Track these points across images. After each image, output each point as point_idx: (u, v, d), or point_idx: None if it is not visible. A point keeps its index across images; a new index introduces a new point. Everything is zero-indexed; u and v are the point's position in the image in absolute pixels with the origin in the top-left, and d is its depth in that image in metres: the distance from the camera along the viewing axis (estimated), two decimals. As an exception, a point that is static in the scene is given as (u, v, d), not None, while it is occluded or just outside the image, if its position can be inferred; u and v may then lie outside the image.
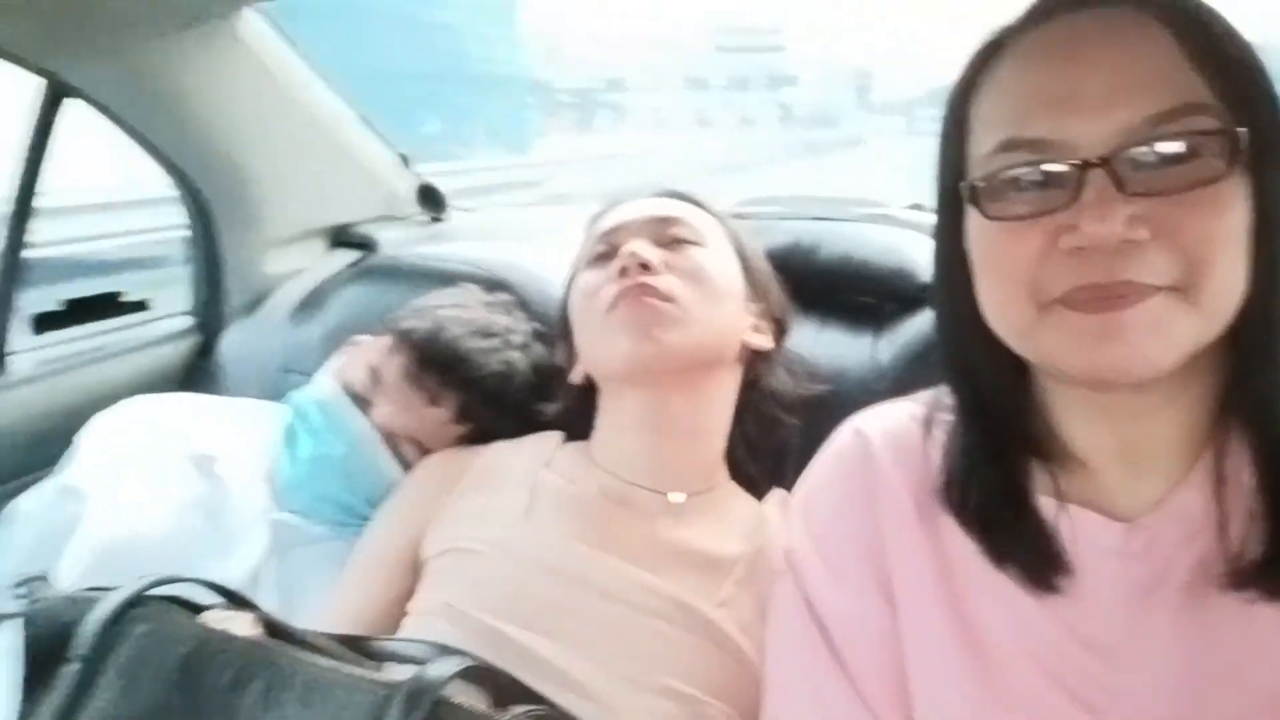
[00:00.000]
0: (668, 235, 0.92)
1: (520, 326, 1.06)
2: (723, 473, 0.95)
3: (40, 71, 1.09)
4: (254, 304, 1.44)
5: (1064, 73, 0.50)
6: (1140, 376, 0.50)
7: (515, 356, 1.02)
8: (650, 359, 0.86)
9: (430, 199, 1.69)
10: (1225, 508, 0.55)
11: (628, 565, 0.82)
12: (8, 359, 1.19)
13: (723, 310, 0.91)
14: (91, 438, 1.05)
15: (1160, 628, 0.56)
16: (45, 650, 0.61)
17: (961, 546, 0.60)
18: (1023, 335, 0.54)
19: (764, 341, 0.96)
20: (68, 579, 0.91)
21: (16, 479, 1.10)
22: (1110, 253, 0.48)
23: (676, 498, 0.89)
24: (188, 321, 1.43)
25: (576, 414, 0.98)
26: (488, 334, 1.02)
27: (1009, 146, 0.52)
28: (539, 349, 1.06)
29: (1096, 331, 0.49)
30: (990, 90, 0.54)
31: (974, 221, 0.55)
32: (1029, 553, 0.58)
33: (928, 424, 0.65)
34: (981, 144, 0.54)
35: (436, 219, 1.73)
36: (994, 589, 0.59)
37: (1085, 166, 0.49)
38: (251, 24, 1.21)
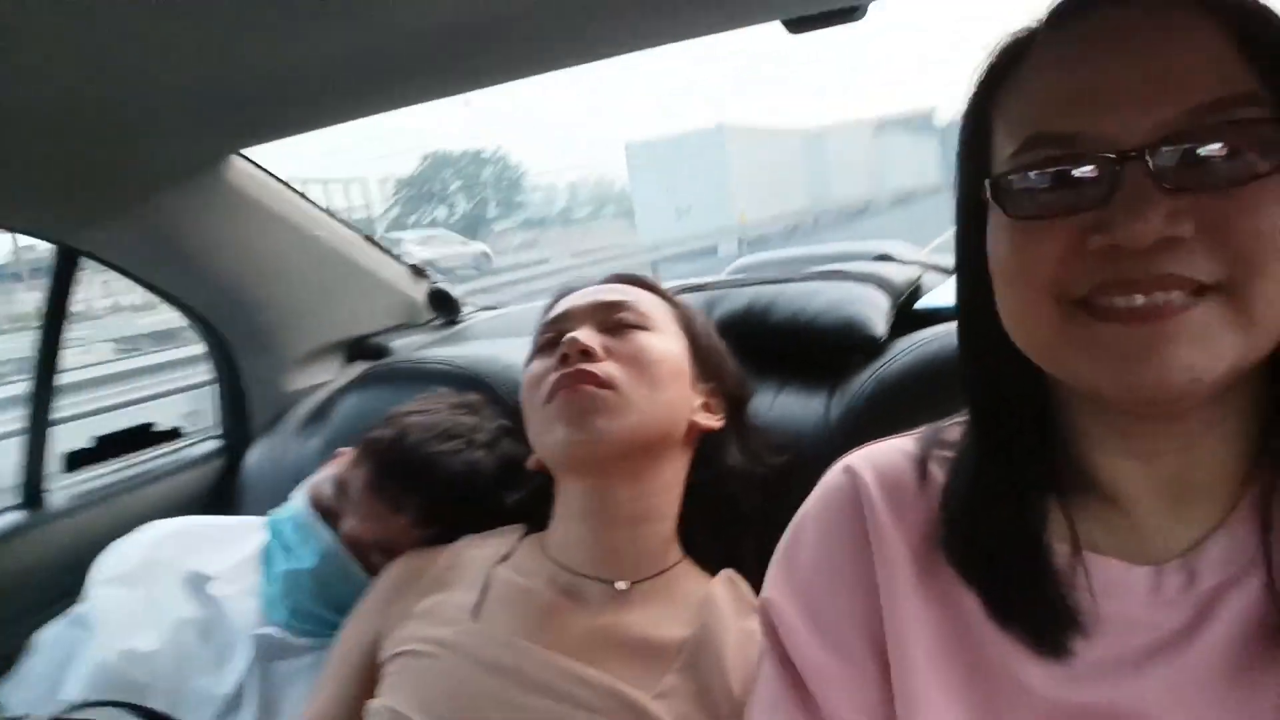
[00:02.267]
0: (612, 320, 0.93)
1: (487, 425, 1.09)
2: (674, 554, 0.94)
3: (50, 240, 1.23)
4: (275, 421, 1.53)
5: (1098, 66, 0.46)
6: (1182, 394, 0.45)
7: (478, 456, 1.05)
8: (588, 448, 0.86)
9: (441, 303, 1.77)
10: (1271, 550, 0.49)
11: (563, 658, 0.82)
12: (44, 495, 1.31)
13: (666, 393, 0.91)
14: (103, 565, 1.13)
15: (1200, 689, 0.49)
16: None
17: (964, 600, 0.54)
18: (1047, 347, 0.49)
19: (713, 421, 0.95)
20: (71, 697, 0.98)
21: (52, 607, 1.19)
22: (1146, 251, 0.44)
23: (621, 585, 0.88)
24: (215, 444, 1.53)
25: (539, 501, 0.99)
26: (451, 436, 1.05)
27: (1037, 143, 0.48)
28: (507, 445, 1.08)
29: (1132, 344, 0.44)
30: (1016, 88, 0.50)
31: (996, 225, 0.51)
32: (1038, 609, 0.52)
33: (923, 463, 0.59)
34: (1006, 143, 0.50)
35: (452, 322, 1.80)
36: (1002, 647, 0.53)
37: (1121, 160, 0.45)
38: (238, 168, 1.33)
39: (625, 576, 0.89)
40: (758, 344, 1.06)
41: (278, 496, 1.36)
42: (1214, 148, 0.44)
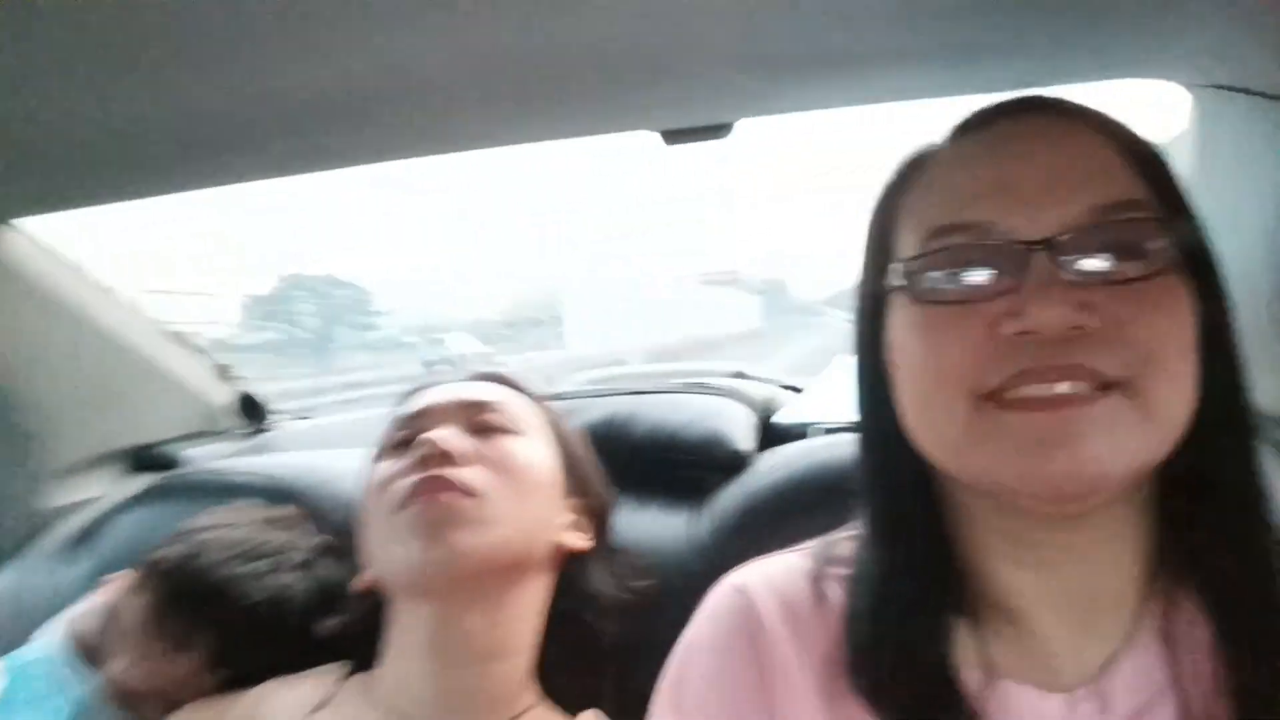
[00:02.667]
0: (478, 421, 0.83)
1: (302, 542, 0.94)
2: (528, 697, 0.82)
3: None
4: (25, 543, 1.26)
5: (1004, 165, 0.49)
6: (1091, 487, 0.45)
7: (289, 579, 0.89)
8: (442, 565, 0.74)
9: (250, 409, 1.58)
10: (1181, 671, 0.48)
11: None
12: None
13: (534, 507, 0.81)
14: None
15: None
16: None
17: (869, 715, 0.51)
18: (954, 443, 0.48)
19: (582, 541, 0.86)
20: None
21: None
22: (1058, 339, 0.45)
23: None
24: (-59, 572, 1.24)
25: (367, 630, 0.84)
26: (256, 555, 0.89)
27: (944, 232, 0.49)
28: (327, 566, 0.93)
29: (1043, 433, 0.44)
30: (922, 189, 0.52)
31: (904, 317, 0.51)
32: None
33: (819, 581, 0.56)
34: (911, 236, 0.51)
35: (259, 430, 1.61)
36: None
37: (1029, 248, 0.46)
38: (11, 241, 1.13)
39: None
40: (617, 458, 0.99)
41: (26, 633, 1.10)
42: (1116, 242, 0.46)
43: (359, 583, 0.85)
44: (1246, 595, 0.48)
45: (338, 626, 0.87)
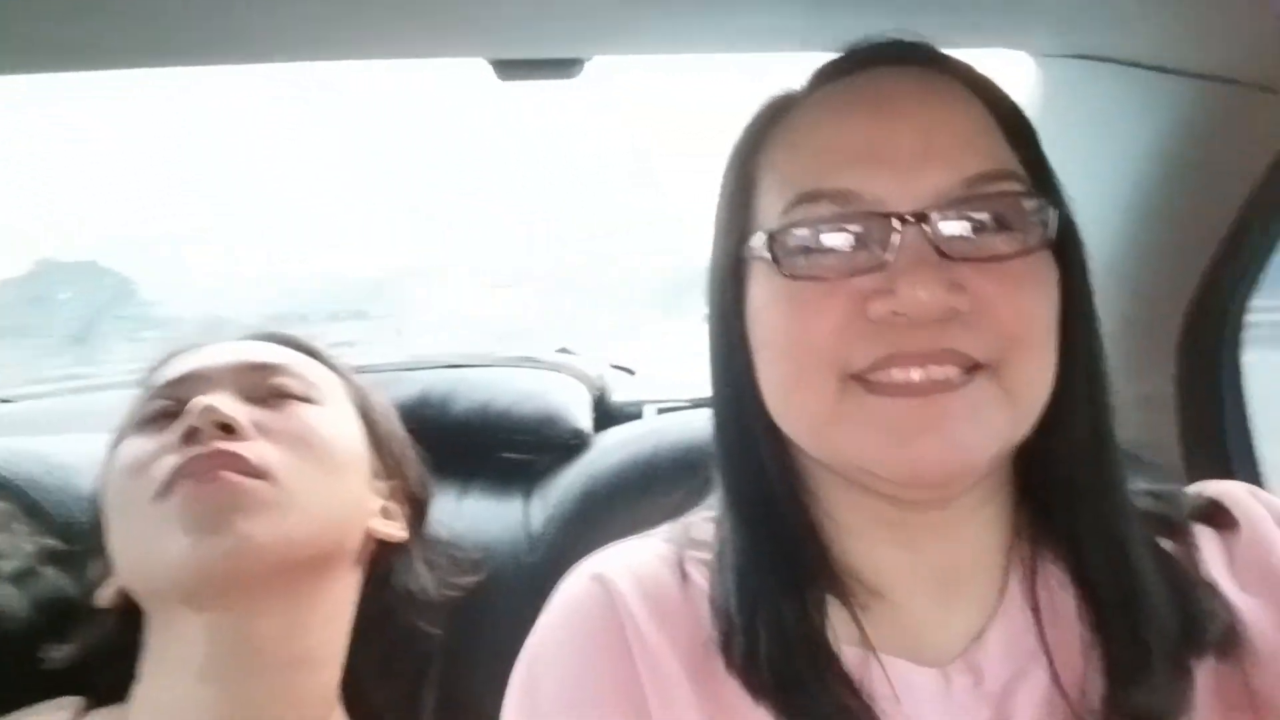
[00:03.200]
0: (265, 387, 0.68)
1: (20, 546, 0.73)
2: (337, 714, 0.68)
3: None
4: None
5: (873, 126, 0.46)
6: (958, 472, 0.45)
7: (6, 593, 0.69)
8: (226, 563, 0.59)
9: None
10: (1049, 638, 0.48)
11: None
12: None
13: (340, 490, 0.68)
14: None
15: None
16: None
17: (752, 714, 0.48)
18: (818, 426, 0.47)
19: (396, 530, 0.74)
20: None
21: None
22: (929, 321, 0.43)
23: None
24: None
25: (109, 658, 0.67)
26: None
27: (810, 198, 0.46)
28: (51, 577, 0.73)
29: (911, 420, 0.44)
30: (784, 144, 0.49)
31: (762, 289, 0.48)
32: (836, 716, 0.46)
33: (680, 566, 0.53)
34: (775, 200, 0.48)
35: (-44, 415, 1.29)
36: None
37: (902, 221, 0.44)
38: None
39: None
40: (436, 439, 0.85)
41: None
42: (989, 218, 0.45)
43: (103, 597, 0.67)
44: (1105, 561, 0.48)
45: (73, 653, 0.67)
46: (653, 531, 0.57)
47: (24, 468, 0.85)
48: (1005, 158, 0.47)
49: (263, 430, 0.65)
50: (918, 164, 0.45)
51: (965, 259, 0.44)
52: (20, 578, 0.71)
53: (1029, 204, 0.46)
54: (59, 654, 0.68)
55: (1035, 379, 0.46)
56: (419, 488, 0.79)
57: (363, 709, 0.70)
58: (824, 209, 0.46)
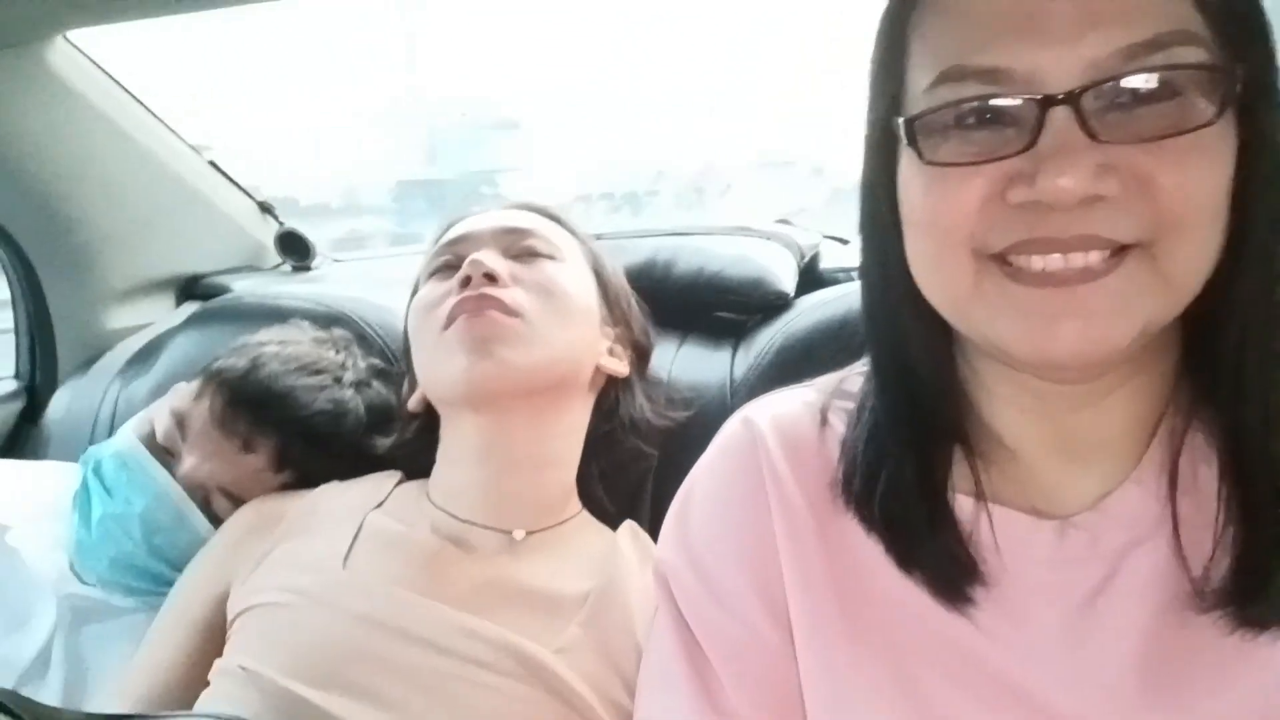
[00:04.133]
0: (519, 247, 0.85)
1: (356, 363, 0.98)
2: (573, 506, 0.87)
3: None
4: (89, 363, 1.32)
5: None
6: (1096, 362, 0.43)
7: (346, 395, 0.93)
8: (490, 378, 0.78)
9: (294, 247, 1.60)
10: (1178, 511, 0.47)
11: (451, 610, 0.73)
12: None
13: (575, 330, 0.84)
14: None
15: (1109, 647, 0.47)
16: None
17: (866, 550, 0.52)
18: (958, 304, 0.46)
19: (620, 367, 0.89)
20: None
21: None
22: (1069, 209, 0.41)
23: (518, 535, 0.81)
24: (10, 385, 1.30)
25: (416, 450, 0.90)
26: (314, 370, 0.93)
27: (956, 76, 0.43)
28: (378, 388, 0.97)
29: (1048, 310, 0.42)
30: (934, 8, 0.46)
31: (908, 166, 0.47)
32: (940, 557, 0.49)
33: (824, 412, 0.56)
34: (921, 74, 0.45)
35: (303, 267, 1.63)
36: (907, 599, 0.51)
37: (1047, 103, 0.41)
38: (65, 53, 1.12)
39: (521, 525, 0.81)
40: (660, 297, 1.00)
41: (91, 442, 1.18)
42: (1149, 90, 0.41)
43: (411, 403, 0.89)
44: (1264, 442, 0.46)
45: (392, 444, 0.92)
46: (812, 381, 0.60)
47: (353, 306, 1.11)
48: (1183, 14, 0.41)
49: (517, 279, 0.82)
50: (1074, 33, 0.41)
51: (1121, 140, 0.40)
52: (358, 386, 0.95)
53: (1208, 74, 0.41)
54: (383, 443, 0.92)
55: (1194, 260, 0.42)
56: (641, 335, 0.94)
57: (593, 504, 0.89)
58: (968, 88, 0.43)
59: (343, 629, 0.71)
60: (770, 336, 0.96)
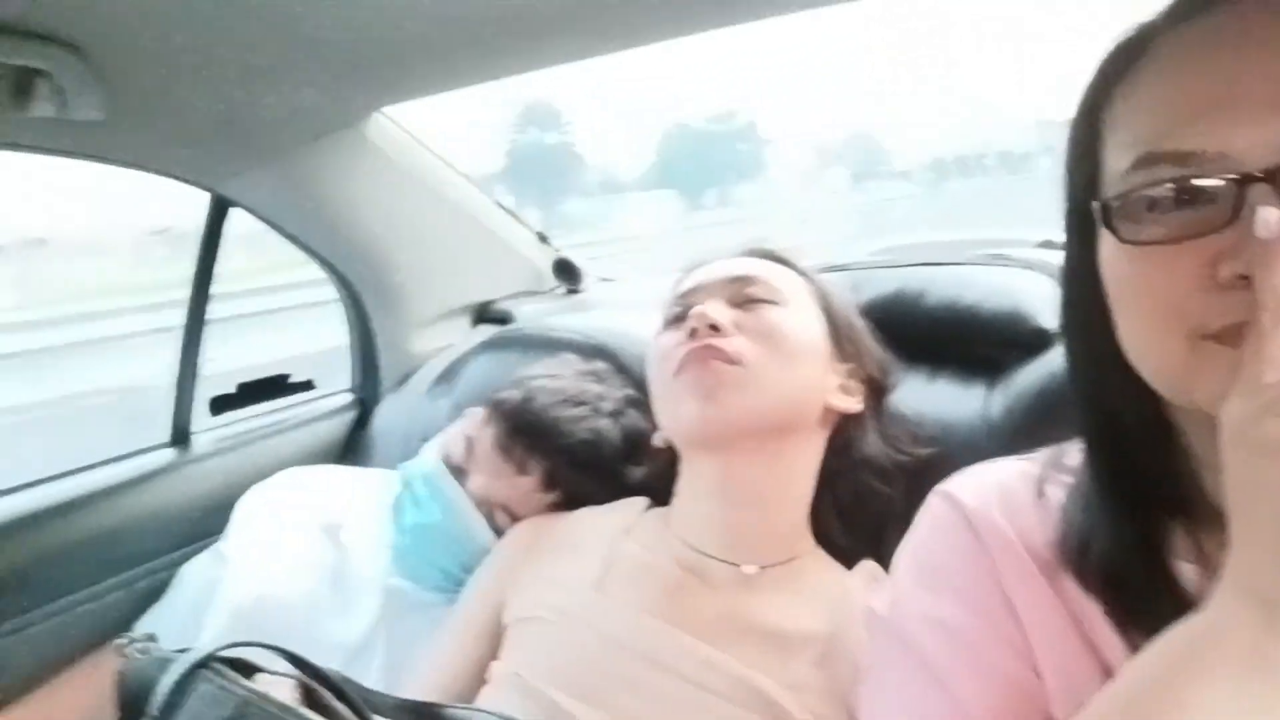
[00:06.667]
0: (743, 295, 0.90)
1: (613, 393, 1.07)
2: (806, 542, 0.90)
3: (204, 188, 1.28)
4: (404, 379, 1.56)
5: (1221, 74, 0.43)
6: None
7: (604, 424, 1.03)
8: (715, 424, 0.84)
9: (566, 272, 1.77)
10: None
11: (692, 640, 0.79)
12: (193, 437, 1.37)
13: (799, 371, 0.87)
14: (245, 507, 1.18)
15: None
16: (131, 706, 0.68)
17: (1089, 604, 0.52)
18: (1173, 376, 0.46)
19: (851, 404, 0.91)
20: (209, 636, 1.02)
21: (196, 543, 1.25)
22: None
23: (749, 569, 0.85)
24: (348, 398, 1.57)
25: (663, 479, 0.97)
26: (577, 402, 1.03)
27: (1150, 161, 0.45)
28: (633, 416, 1.06)
29: None
30: (1129, 96, 0.47)
31: (1110, 246, 0.48)
32: (1160, 619, 0.47)
33: (1040, 484, 0.56)
34: (1118, 158, 0.47)
35: (574, 290, 1.79)
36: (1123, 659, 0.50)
37: (1246, 181, 0.41)
38: (380, 126, 1.34)
39: (752, 560, 0.85)
40: (908, 330, 0.99)
41: (406, 452, 1.39)
42: None
43: (658, 440, 0.96)
44: None
45: (644, 474, 1.00)
46: (1029, 455, 0.60)
47: (614, 339, 1.21)
48: None
49: (740, 328, 0.86)
50: (1268, 114, 0.41)
51: None
52: (614, 415, 1.05)
53: None
54: (635, 473, 1.01)
55: None
56: (875, 369, 0.94)
57: (829, 541, 0.90)
58: (1163, 171, 0.44)
59: (597, 649, 0.80)
60: (1030, 376, 0.91)
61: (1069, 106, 0.54)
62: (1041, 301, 0.97)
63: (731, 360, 0.84)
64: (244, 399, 1.42)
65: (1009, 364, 0.96)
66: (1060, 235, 0.56)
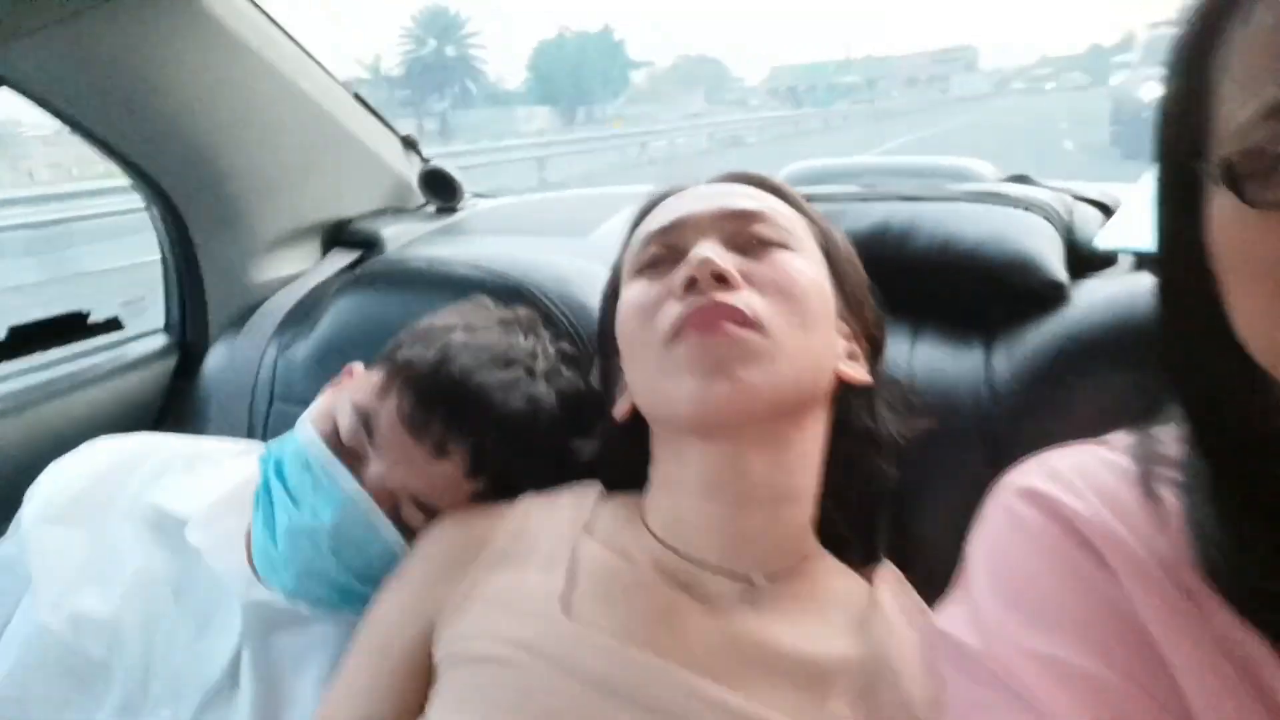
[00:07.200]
0: (745, 235, 0.70)
1: (544, 349, 0.86)
2: (810, 543, 0.74)
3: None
4: (241, 319, 1.25)
5: None
6: None
7: (541, 390, 0.82)
8: (728, 405, 0.64)
9: (440, 186, 1.49)
10: None
11: (695, 677, 0.62)
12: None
13: (817, 335, 0.69)
14: (37, 495, 0.88)
15: None
16: None
17: (1253, 642, 0.44)
18: None
19: (861, 373, 0.74)
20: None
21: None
22: None
23: (758, 579, 0.69)
24: (160, 340, 1.25)
25: (617, 455, 0.78)
26: (506, 362, 0.81)
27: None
28: (567, 376, 0.85)
29: None
30: (1248, 38, 0.40)
31: (1224, 210, 0.41)
32: None
33: (1146, 483, 0.47)
34: (1238, 109, 0.40)
35: (449, 209, 1.53)
36: None
37: None
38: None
39: (758, 567, 0.69)
40: (892, 275, 0.83)
41: (254, 413, 1.11)
42: None
43: (619, 410, 0.77)
44: None
45: (594, 448, 0.80)
46: (1102, 440, 0.52)
47: (533, 277, 0.99)
48: None
49: (749, 279, 0.67)
50: None
51: None
52: (549, 375, 0.83)
53: None
54: (585, 448, 0.81)
55: None
56: (875, 327, 0.78)
57: (827, 536, 0.75)
58: None
59: (575, 696, 0.61)
60: (1043, 336, 0.80)
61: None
62: (1048, 248, 0.86)
63: (748, 323, 0.65)
64: (16, 349, 1.07)
65: (1009, 320, 0.84)
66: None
